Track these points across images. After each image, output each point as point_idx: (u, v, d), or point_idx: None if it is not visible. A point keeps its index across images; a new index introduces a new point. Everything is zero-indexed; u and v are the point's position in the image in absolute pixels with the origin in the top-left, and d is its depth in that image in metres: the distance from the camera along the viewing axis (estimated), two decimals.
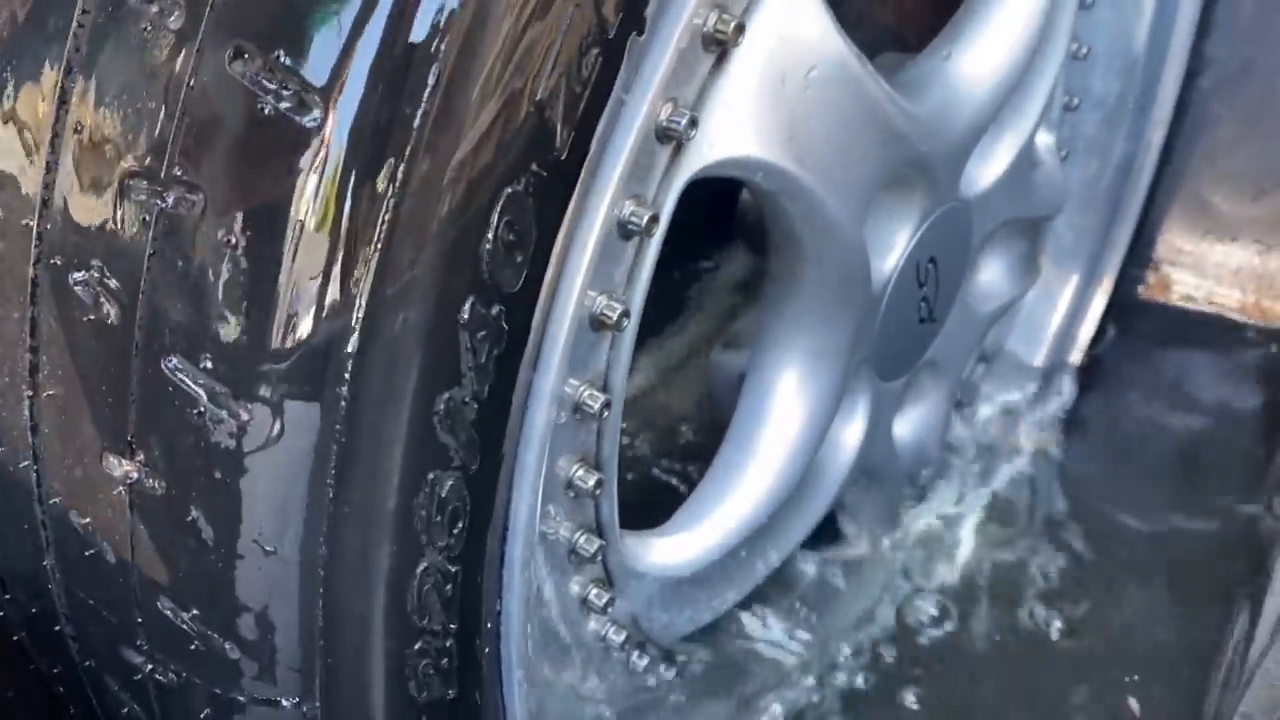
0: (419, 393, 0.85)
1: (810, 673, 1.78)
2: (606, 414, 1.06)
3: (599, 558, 1.20)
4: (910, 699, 1.84)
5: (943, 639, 1.91)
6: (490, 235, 0.86)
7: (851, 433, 1.51)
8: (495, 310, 0.87)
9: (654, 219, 1.00)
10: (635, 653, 1.32)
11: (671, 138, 1.01)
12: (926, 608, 1.97)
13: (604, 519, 1.18)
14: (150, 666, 0.97)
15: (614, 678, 1.33)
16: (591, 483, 1.10)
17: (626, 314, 1.01)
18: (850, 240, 1.30)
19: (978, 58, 1.47)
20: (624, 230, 0.99)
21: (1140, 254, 2.39)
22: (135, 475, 0.85)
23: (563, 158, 0.89)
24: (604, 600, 1.21)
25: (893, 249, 1.45)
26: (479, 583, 1.01)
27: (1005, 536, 2.08)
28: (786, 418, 1.42)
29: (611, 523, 1.18)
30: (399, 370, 0.83)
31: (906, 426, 1.77)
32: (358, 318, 0.80)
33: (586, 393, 1.04)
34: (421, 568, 0.94)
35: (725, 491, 1.42)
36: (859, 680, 1.83)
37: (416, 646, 0.99)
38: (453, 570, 0.96)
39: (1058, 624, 1.96)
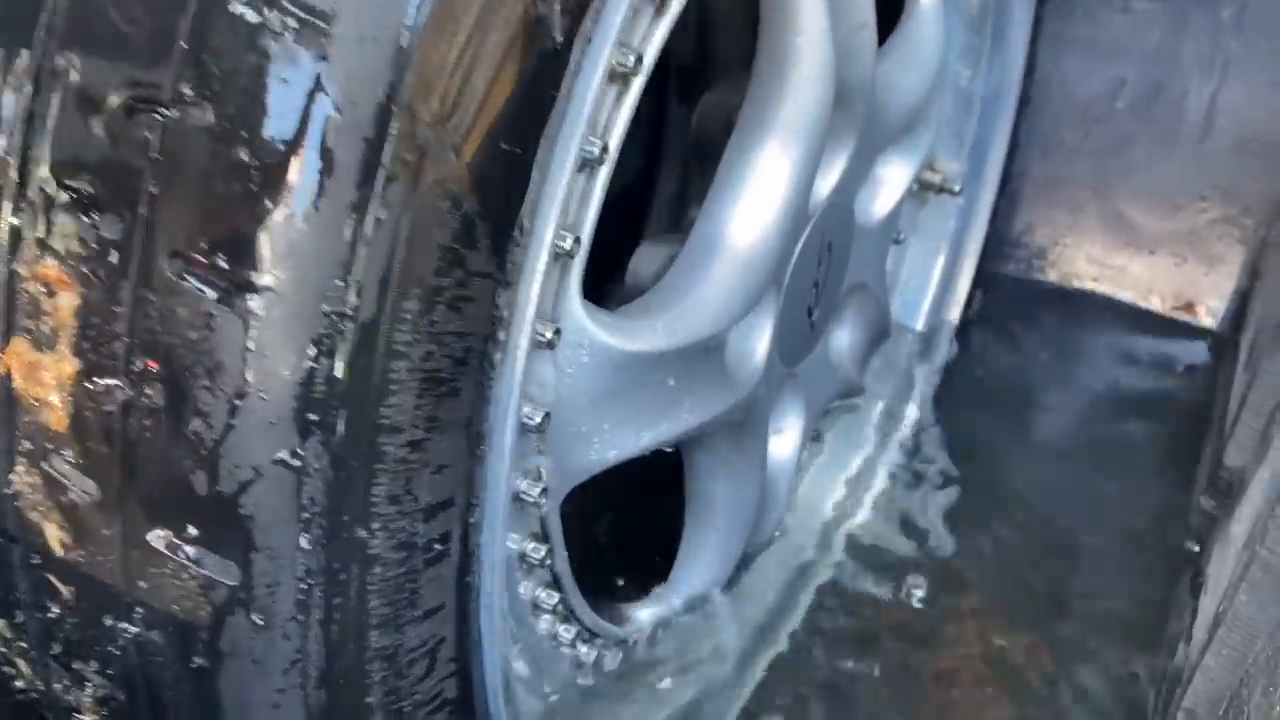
0: None
1: None
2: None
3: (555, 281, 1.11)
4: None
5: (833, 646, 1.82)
6: None
7: (759, 346, 1.49)
8: None
9: None
10: (528, 481, 1.19)
11: None
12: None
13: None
14: None
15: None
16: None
17: None
18: (823, 78, 1.37)
19: (898, 75, 1.70)
20: None
21: (1065, 263, 2.36)
22: None
23: None
24: (549, 335, 1.09)
25: (823, 181, 1.55)
26: None
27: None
28: (757, 195, 1.38)
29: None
30: None
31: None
32: None
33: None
34: None
35: (680, 292, 1.36)
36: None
37: None
38: None
39: (973, 620, 1.87)
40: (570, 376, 1.17)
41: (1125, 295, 2.40)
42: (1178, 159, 2.31)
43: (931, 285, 2.23)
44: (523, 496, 1.18)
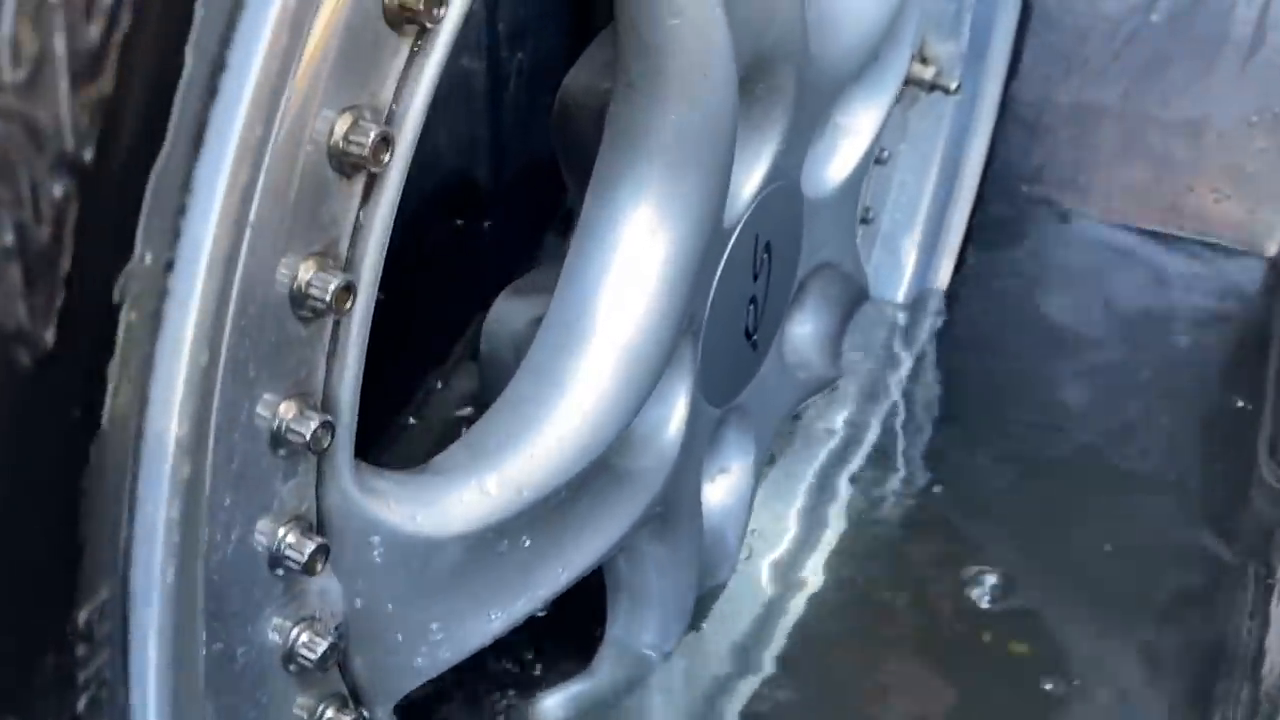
0: None
1: None
2: None
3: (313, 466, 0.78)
4: None
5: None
6: None
7: (670, 422, 1.15)
8: None
9: None
10: (333, 710, 0.87)
11: None
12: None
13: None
14: None
15: None
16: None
17: None
18: (720, 63, 0.99)
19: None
20: None
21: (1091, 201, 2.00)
22: None
23: None
24: (303, 557, 0.77)
25: (746, 179, 1.19)
26: None
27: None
28: (630, 290, 1.03)
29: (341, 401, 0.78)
30: None
31: (709, 499, 1.40)
32: None
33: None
34: None
35: (527, 419, 1.00)
36: None
37: None
38: None
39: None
40: (365, 583, 0.86)
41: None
42: (1221, 80, 1.94)
43: (919, 218, 1.87)
44: None
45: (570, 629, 1.33)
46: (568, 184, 1.17)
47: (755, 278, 1.26)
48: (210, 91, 0.55)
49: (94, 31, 0.47)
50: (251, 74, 0.57)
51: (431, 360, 1.67)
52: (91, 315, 0.55)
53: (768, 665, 1.46)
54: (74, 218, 0.50)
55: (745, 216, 1.19)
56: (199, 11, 0.51)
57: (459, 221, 1.70)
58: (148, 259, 0.57)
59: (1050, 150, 2.05)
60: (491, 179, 1.71)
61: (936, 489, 1.65)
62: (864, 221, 1.79)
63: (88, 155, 0.50)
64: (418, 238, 1.51)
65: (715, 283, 1.16)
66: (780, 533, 1.59)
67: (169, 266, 0.58)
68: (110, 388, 0.58)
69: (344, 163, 0.70)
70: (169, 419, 0.60)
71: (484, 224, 1.73)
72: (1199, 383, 1.85)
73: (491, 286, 1.63)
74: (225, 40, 0.54)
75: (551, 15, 1.71)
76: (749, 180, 1.20)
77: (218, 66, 0.54)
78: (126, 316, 0.57)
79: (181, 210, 0.56)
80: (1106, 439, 1.76)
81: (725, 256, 1.17)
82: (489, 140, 1.68)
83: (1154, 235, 2.03)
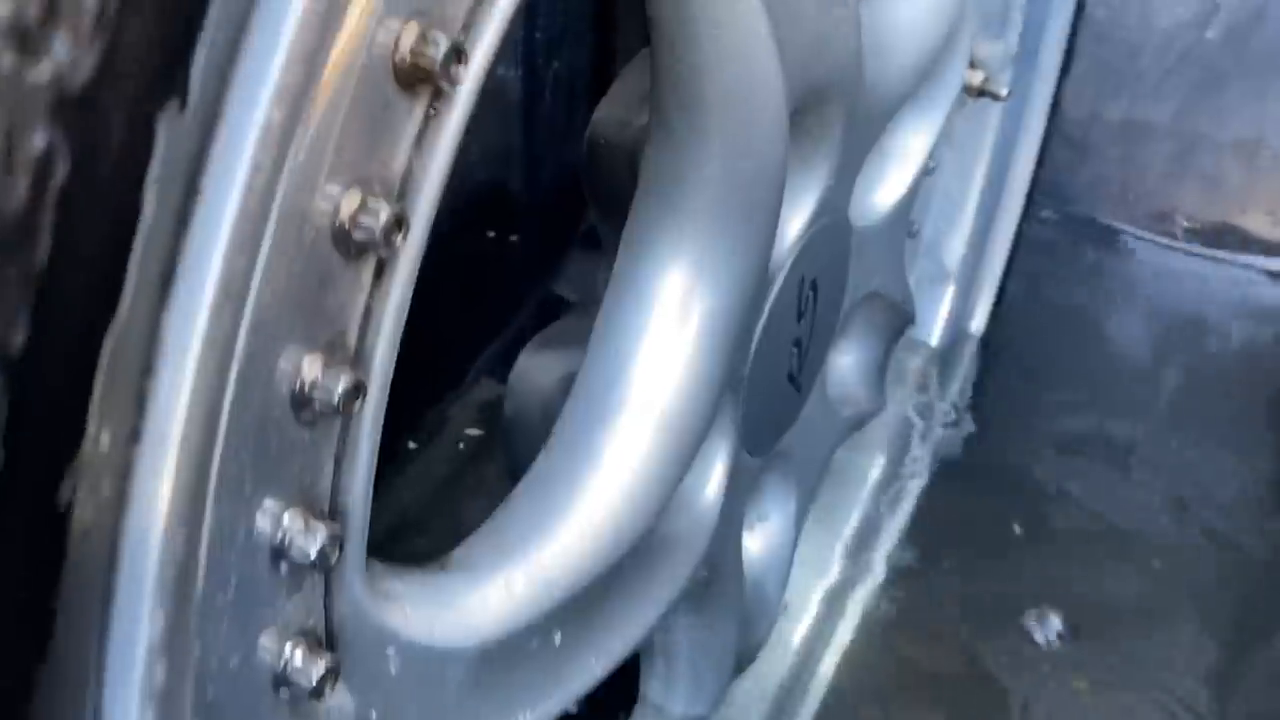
0: None
1: None
2: None
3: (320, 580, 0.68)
4: None
5: None
6: None
7: (708, 485, 1.04)
8: None
9: None
10: None
11: None
12: None
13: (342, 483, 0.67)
14: None
15: None
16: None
17: None
18: (771, 112, 0.88)
19: (905, 16, 1.18)
20: None
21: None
22: None
23: None
24: (313, 680, 0.66)
25: (793, 217, 1.08)
26: None
27: None
28: (669, 354, 0.93)
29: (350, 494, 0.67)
30: None
31: (749, 550, 1.29)
32: None
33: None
34: None
35: (557, 504, 0.90)
36: None
37: None
38: None
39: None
40: (380, 696, 0.76)
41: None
42: (1278, 99, 1.83)
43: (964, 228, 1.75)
44: None
45: (606, 687, 1.25)
46: (598, 227, 1.07)
47: (799, 319, 1.15)
48: (179, 225, 0.44)
49: (18, 188, 0.36)
50: (232, 200, 0.45)
51: (447, 380, 1.57)
52: (31, 530, 0.43)
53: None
54: (2, 419, 0.39)
55: (789, 261, 1.08)
56: (161, 138, 0.40)
57: (490, 233, 1.60)
58: (104, 440, 0.45)
59: (1098, 169, 1.94)
60: (521, 191, 1.62)
61: (991, 524, 1.58)
62: (908, 235, 1.66)
63: (17, 340, 0.38)
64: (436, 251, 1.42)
65: (759, 333, 1.05)
66: (821, 576, 1.51)
67: (134, 437, 0.47)
68: (60, 618, 0.46)
69: (351, 246, 0.60)
70: (138, 622, 0.49)
71: (509, 238, 1.63)
72: (1258, 410, 1.77)
73: (513, 303, 1.52)
74: (194, 171, 0.42)
75: (580, 27, 1.61)
76: (795, 219, 1.08)
77: (190, 193, 0.43)
78: (79, 520, 0.45)
79: (147, 370, 0.45)
80: (1162, 466, 1.69)
81: (769, 303, 1.07)
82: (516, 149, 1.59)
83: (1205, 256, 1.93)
